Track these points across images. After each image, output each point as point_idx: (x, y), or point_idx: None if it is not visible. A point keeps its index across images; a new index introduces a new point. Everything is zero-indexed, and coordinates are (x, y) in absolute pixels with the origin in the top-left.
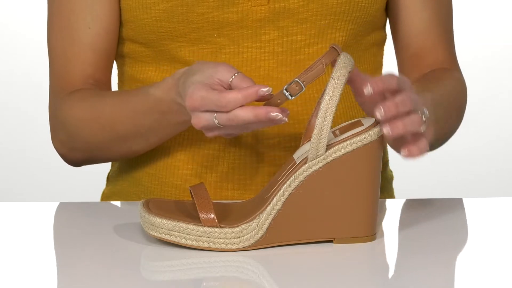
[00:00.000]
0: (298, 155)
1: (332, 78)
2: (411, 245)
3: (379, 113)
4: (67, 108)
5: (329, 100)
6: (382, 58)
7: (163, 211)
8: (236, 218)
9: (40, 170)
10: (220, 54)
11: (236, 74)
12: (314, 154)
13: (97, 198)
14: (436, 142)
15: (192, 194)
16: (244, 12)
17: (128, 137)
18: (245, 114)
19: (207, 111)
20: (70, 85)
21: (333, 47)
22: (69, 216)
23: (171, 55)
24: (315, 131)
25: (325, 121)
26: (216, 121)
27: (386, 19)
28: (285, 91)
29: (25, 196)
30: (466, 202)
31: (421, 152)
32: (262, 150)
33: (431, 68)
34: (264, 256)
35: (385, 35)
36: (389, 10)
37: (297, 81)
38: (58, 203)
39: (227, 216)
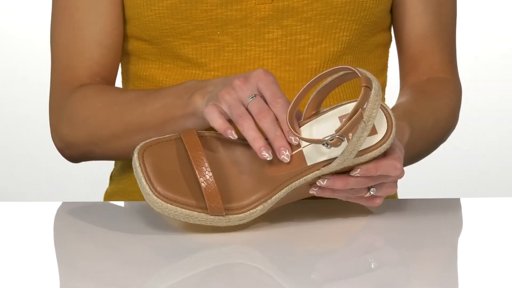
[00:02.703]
0: (304, 144)
1: (363, 121)
2: (408, 244)
3: (319, 184)
4: (81, 98)
5: (357, 141)
6: (387, 60)
7: (164, 177)
8: (238, 193)
9: (43, 169)
10: (223, 52)
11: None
12: (328, 171)
13: (100, 197)
14: (411, 163)
15: (192, 162)
16: (247, 10)
17: (131, 130)
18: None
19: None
20: (76, 78)
21: (365, 85)
22: (71, 216)
23: (174, 52)
24: (337, 161)
25: (349, 155)
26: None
27: (391, 20)
28: (326, 145)
29: (27, 196)
30: (464, 202)
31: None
32: None
33: (427, 74)
34: (267, 241)
35: (390, 36)
36: (393, 12)
37: (338, 137)
38: (60, 202)
39: (227, 183)
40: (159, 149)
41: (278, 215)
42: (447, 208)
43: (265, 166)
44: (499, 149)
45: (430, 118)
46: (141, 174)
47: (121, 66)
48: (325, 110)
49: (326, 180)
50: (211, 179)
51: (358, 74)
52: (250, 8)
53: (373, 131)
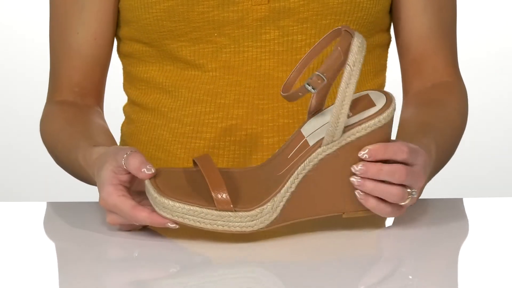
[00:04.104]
0: (307, 132)
1: (348, 65)
2: (411, 245)
3: (353, 170)
4: (48, 120)
5: (346, 88)
6: (386, 60)
7: (173, 189)
8: (249, 198)
9: (42, 169)
10: (220, 54)
11: (125, 155)
12: (330, 139)
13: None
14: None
15: (200, 168)
16: (244, 11)
17: (73, 174)
18: (145, 220)
19: None
20: (58, 90)
21: (346, 30)
22: (70, 216)
23: (173, 54)
24: (332, 119)
25: (342, 109)
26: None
27: (391, 21)
28: (307, 85)
29: (26, 196)
30: (466, 202)
31: (384, 213)
32: (260, 147)
33: (432, 79)
34: (278, 264)
35: (390, 37)
36: (392, 13)
37: (318, 74)
38: (60, 202)
39: (239, 193)
40: (168, 171)
41: (287, 232)
42: (450, 209)
43: (275, 168)
44: (502, 149)
45: (447, 129)
46: (149, 183)
47: (123, 68)
48: (328, 107)
49: (359, 166)
50: (224, 190)
51: (342, 29)
52: (247, 9)
53: (371, 104)
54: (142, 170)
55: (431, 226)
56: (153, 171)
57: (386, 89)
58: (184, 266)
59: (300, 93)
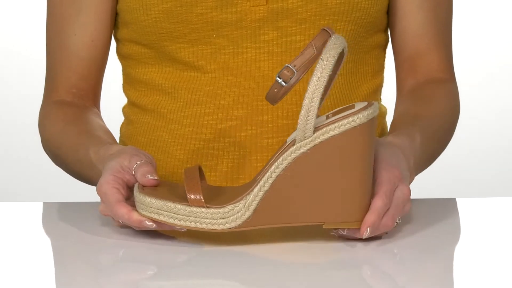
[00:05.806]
0: (291, 138)
1: (321, 59)
2: (404, 244)
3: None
4: (48, 121)
5: (317, 82)
6: (384, 61)
7: (155, 192)
8: (225, 199)
9: (42, 169)
10: (219, 55)
11: (138, 162)
12: (302, 135)
13: (98, 198)
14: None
15: (184, 174)
16: (242, 12)
17: (69, 172)
18: (123, 217)
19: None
20: (55, 91)
21: (324, 29)
22: (70, 216)
23: (172, 56)
24: (302, 112)
25: (312, 102)
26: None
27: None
28: (278, 78)
29: (26, 196)
30: (460, 202)
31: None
32: (260, 148)
33: (426, 76)
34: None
35: (388, 38)
36: (389, 11)
37: (287, 66)
38: (59, 202)
39: (218, 197)
40: (162, 182)
41: (271, 235)
42: (443, 209)
43: (256, 173)
44: (498, 149)
45: (435, 119)
46: (136, 187)
47: (122, 70)
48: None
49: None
50: (198, 193)
51: (327, 30)
52: (245, 10)
53: (351, 106)
54: (146, 176)
55: (424, 226)
56: (156, 178)
57: (384, 88)
58: (183, 267)
59: (275, 89)
